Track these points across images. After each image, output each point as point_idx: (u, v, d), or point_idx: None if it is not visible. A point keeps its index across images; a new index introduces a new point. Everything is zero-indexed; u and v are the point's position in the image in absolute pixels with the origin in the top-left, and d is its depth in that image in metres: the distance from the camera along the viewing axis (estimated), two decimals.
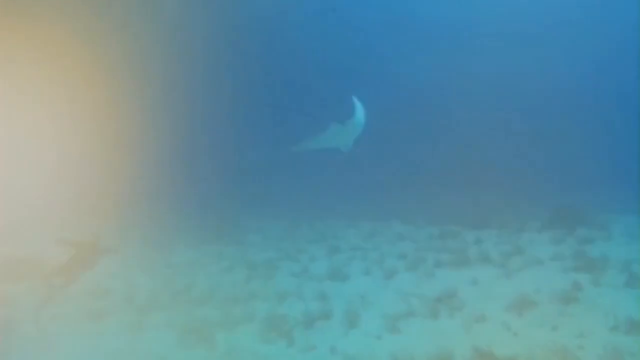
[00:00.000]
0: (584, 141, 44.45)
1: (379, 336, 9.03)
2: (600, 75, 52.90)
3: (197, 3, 50.57)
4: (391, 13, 59.32)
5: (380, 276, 13.56)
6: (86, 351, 9.01)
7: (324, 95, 51.09)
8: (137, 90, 54.18)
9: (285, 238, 21.43)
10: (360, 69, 60.86)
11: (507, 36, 56.84)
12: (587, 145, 42.89)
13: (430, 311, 9.96)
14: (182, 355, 8.72)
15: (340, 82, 55.29)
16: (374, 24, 61.13)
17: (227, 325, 10.34)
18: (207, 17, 53.79)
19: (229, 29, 57.13)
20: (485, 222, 19.57)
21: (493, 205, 25.24)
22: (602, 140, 41.53)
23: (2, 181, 27.51)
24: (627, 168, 31.93)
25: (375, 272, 14.11)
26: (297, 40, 60.56)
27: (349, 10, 57.51)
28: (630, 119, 44.49)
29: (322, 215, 27.17)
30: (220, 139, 60.53)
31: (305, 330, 9.62)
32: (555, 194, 24.35)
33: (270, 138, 57.08)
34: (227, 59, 59.05)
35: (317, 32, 61.36)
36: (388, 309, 10.26)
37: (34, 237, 19.76)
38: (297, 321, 9.98)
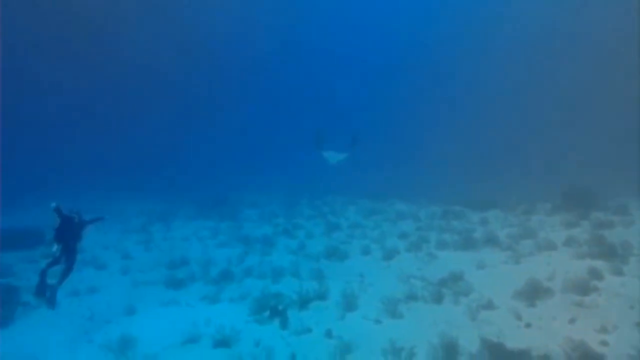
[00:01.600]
0: (598, 117, 43.17)
1: (378, 320, 8.35)
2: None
3: None
4: None
5: (380, 256, 12.87)
6: None
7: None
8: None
9: (283, 213, 20.80)
10: None
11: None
12: (602, 122, 41.45)
13: (433, 295, 9.27)
14: (166, 330, 8.19)
15: None
16: None
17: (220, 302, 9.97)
18: None
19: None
20: (491, 202, 18.79)
21: (498, 185, 24.51)
22: (618, 117, 39.48)
23: None
24: None
25: (375, 251, 13.43)
26: None
27: None
28: None
29: (321, 191, 26.48)
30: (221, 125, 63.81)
31: (300, 312, 8.97)
32: (566, 174, 23.34)
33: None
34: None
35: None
36: (388, 292, 9.56)
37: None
38: (292, 301, 9.33)
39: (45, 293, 8.06)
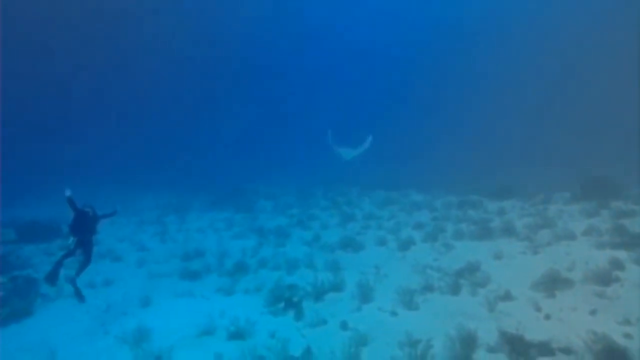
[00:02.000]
0: (618, 103, 42.20)
1: (394, 312, 8.24)
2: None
3: None
4: None
5: (396, 247, 12.75)
6: None
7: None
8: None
9: (297, 204, 20.74)
10: None
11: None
12: (621, 111, 40.48)
13: (449, 286, 9.13)
14: (181, 322, 8.19)
15: None
16: None
17: (234, 293, 9.95)
18: None
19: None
20: (508, 192, 18.50)
21: (515, 175, 24.12)
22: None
23: None
24: None
25: (391, 242, 13.30)
26: None
27: None
28: None
29: (336, 182, 26.37)
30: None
31: (315, 303, 8.91)
32: (585, 164, 22.84)
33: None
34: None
35: None
36: (404, 283, 9.44)
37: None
38: (306, 292, 9.27)
39: (55, 281, 8.25)
